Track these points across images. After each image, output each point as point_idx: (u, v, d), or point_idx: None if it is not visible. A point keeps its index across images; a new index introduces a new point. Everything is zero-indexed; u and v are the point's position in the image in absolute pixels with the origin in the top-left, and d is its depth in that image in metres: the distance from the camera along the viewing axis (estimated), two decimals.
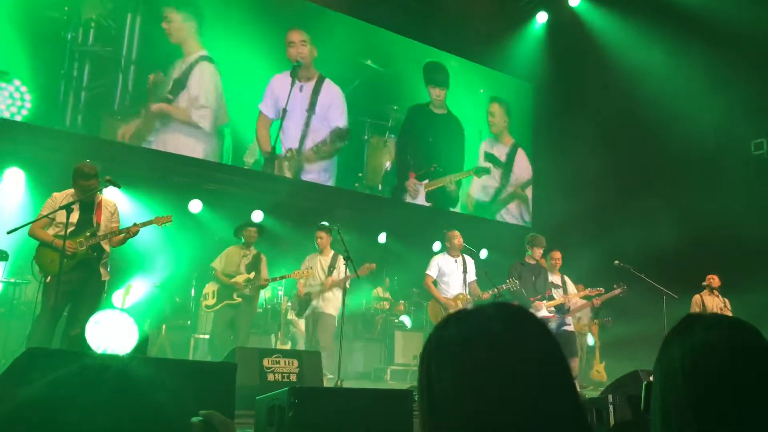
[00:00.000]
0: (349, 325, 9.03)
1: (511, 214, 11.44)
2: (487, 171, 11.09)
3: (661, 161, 9.80)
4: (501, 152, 11.44)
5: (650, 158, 9.95)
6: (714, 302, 7.64)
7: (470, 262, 7.09)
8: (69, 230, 4.79)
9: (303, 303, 7.01)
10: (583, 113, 10.64)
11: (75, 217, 4.91)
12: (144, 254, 7.65)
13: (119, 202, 5.53)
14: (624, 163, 10.14)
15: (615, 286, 7.45)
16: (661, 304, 7.20)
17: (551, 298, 6.94)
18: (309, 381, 4.93)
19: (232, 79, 8.75)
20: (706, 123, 9.02)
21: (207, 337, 7.38)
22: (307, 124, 9.38)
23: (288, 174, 9.17)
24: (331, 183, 9.58)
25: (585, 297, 7.41)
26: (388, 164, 10.22)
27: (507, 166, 11.43)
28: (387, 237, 10.25)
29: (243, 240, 6.90)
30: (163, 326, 7.71)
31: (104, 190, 5.27)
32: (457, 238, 7.02)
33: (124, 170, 6.96)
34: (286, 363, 4.88)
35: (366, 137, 10.03)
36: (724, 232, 8.59)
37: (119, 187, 5.25)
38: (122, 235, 5.08)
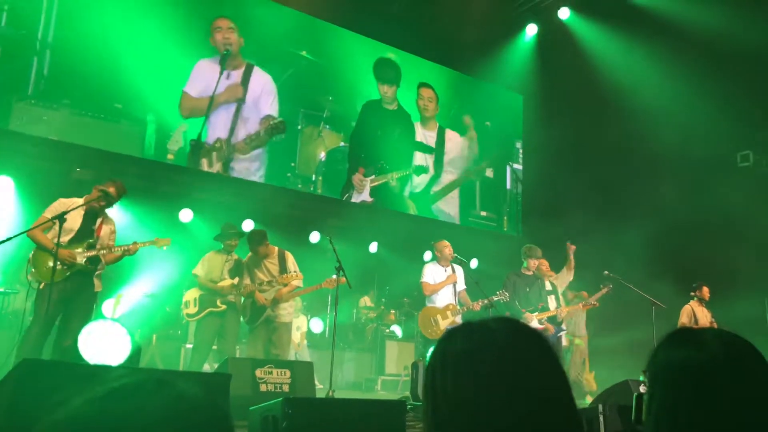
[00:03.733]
0: (339, 334, 9.05)
1: (447, 205, 11.02)
2: (425, 170, 10.86)
3: (647, 172, 9.91)
4: (430, 137, 11.08)
5: (637, 170, 10.06)
6: (704, 313, 7.73)
7: (460, 272, 7.11)
8: (69, 237, 4.82)
9: (257, 310, 6.36)
10: (571, 125, 10.74)
11: (77, 224, 4.92)
12: (134, 264, 7.61)
13: (109, 213, 5.51)
14: (612, 175, 10.25)
15: (601, 285, 7.64)
16: (649, 314, 7.28)
17: (545, 309, 7.00)
18: (301, 391, 4.93)
19: (154, 66, 8.32)
20: (692, 135, 9.14)
21: None
22: (236, 114, 9.06)
23: (216, 164, 8.76)
24: (261, 173, 9.19)
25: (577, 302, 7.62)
26: (322, 155, 9.92)
27: (438, 150, 11.08)
28: (378, 247, 10.27)
29: (223, 246, 6.60)
30: (154, 336, 7.67)
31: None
32: (448, 248, 7.04)
33: (113, 179, 6.93)
34: (279, 373, 4.88)
35: (299, 127, 9.74)
36: (710, 244, 8.71)
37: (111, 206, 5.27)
38: (119, 253, 5.10)
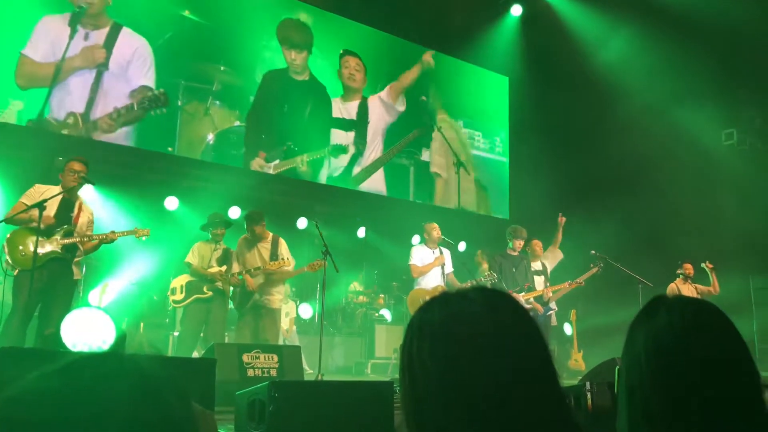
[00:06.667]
0: (329, 319, 9.04)
1: (371, 187, 9.77)
2: (343, 150, 9.37)
3: (633, 151, 9.93)
4: (351, 110, 9.46)
5: (623, 148, 10.07)
6: (689, 290, 7.82)
7: (447, 254, 7.14)
8: (47, 224, 4.75)
9: (246, 295, 6.39)
10: (557, 105, 10.72)
11: (53, 210, 4.85)
12: (120, 252, 7.54)
13: (92, 201, 5.46)
14: (598, 153, 10.26)
15: (591, 265, 7.66)
16: (636, 293, 7.33)
17: (531, 289, 7.05)
18: (289, 375, 4.92)
19: None
20: (677, 114, 9.17)
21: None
22: (96, 83, 7.50)
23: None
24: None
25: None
26: (210, 137, 8.41)
27: (360, 123, 9.56)
28: (366, 231, 10.23)
29: (210, 236, 6.60)
30: (141, 324, 7.62)
31: (81, 194, 5.19)
32: (436, 230, 7.07)
33: (98, 168, 6.83)
34: (266, 358, 4.86)
35: (180, 103, 8.19)
36: (696, 221, 8.77)
37: (93, 184, 5.19)
38: (95, 241, 5.02)
